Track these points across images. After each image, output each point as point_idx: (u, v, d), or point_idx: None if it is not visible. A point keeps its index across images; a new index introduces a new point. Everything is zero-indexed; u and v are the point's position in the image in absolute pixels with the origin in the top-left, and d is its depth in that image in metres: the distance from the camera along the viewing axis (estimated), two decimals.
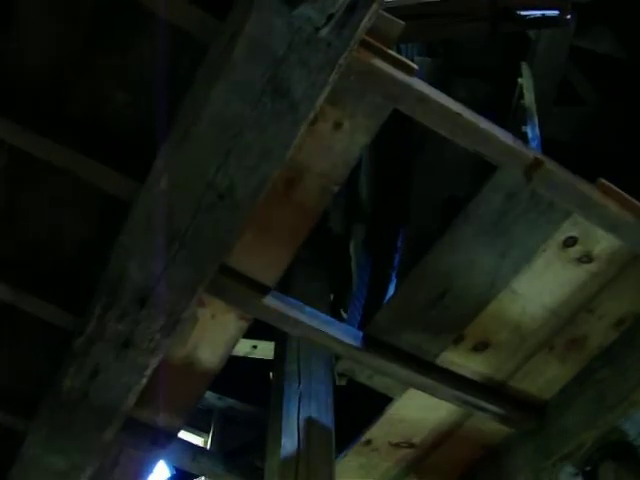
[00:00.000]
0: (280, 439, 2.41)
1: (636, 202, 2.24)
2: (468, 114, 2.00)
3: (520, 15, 3.00)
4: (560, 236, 2.31)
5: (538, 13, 3.01)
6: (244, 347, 3.42)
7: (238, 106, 1.76)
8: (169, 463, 4.37)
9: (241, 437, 4.59)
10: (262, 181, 1.88)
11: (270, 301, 2.33)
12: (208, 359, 2.71)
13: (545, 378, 2.67)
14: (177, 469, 4.40)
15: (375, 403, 2.95)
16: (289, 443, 2.39)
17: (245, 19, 1.65)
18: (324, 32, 1.64)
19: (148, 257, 2.06)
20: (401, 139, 3.46)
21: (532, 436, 2.75)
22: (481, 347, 2.58)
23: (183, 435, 4.39)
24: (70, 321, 2.41)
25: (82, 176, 2.13)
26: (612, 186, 2.22)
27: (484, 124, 2.04)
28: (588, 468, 2.55)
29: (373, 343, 2.50)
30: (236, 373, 3.93)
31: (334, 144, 2.08)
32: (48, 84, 2.00)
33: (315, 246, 2.94)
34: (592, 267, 2.39)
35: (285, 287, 2.69)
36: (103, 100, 2.05)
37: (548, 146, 2.55)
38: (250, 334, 3.16)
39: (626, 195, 2.23)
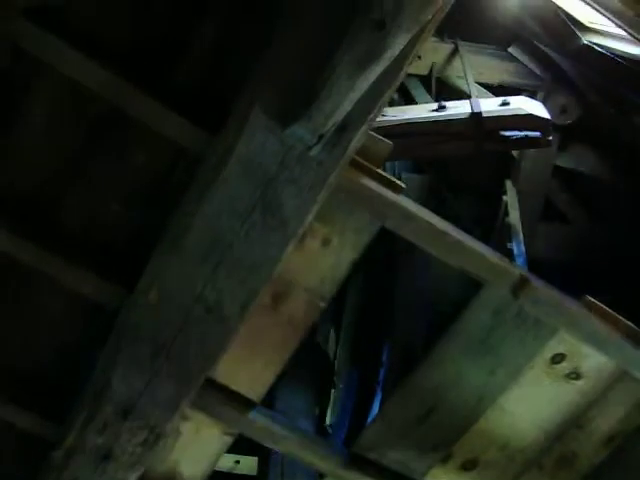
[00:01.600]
0: None
1: (622, 319, 2.26)
2: (454, 232, 2.03)
3: (504, 136, 3.10)
4: (547, 353, 2.31)
5: (521, 134, 3.11)
6: (226, 462, 3.33)
7: (228, 220, 1.79)
8: None
9: None
10: (250, 295, 1.89)
11: (255, 416, 2.30)
12: (190, 475, 2.64)
13: None
14: None
15: None
16: None
17: (237, 136, 1.71)
18: (315, 151, 1.69)
19: (132, 369, 2.05)
20: (387, 251, 3.50)
21: None
22: (470, 465, 2.53)
23: None
24: (49, 430, 2.36)
25: (70, 284, 2.14)
26: (598, 303, 2.24)
27: (470, 242, 2.07)
28: None
29: (358, 461, 2.45)
30: None
31: (322, 260, 2.10)
32: (43, 191, 2.03)
33: (301, 361, 2.92)
34: (580, 384, 2.38)
35: (270, 400, 2.65)
36: (97, 210, 2.08)
37: (533, 263, 2.59)
38: (233, 449, 3.09)
39: (612, 312, 2.25)
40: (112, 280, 2.12)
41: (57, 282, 2.14)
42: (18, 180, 2.02)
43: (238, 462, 3.22)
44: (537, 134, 3.13)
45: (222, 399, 2.27)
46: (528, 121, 3.17)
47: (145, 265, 2.01)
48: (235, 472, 3.29)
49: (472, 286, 2.32)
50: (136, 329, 2.01)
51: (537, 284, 2.17)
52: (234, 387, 2.30)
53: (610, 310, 2.25)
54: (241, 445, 3.03)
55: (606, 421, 2.46)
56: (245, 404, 2.29)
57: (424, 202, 2.14)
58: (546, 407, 2.43)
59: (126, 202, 2.08)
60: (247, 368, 2.30)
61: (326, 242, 2.07)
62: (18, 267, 2.10)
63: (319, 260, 2.10)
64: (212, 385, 2.26)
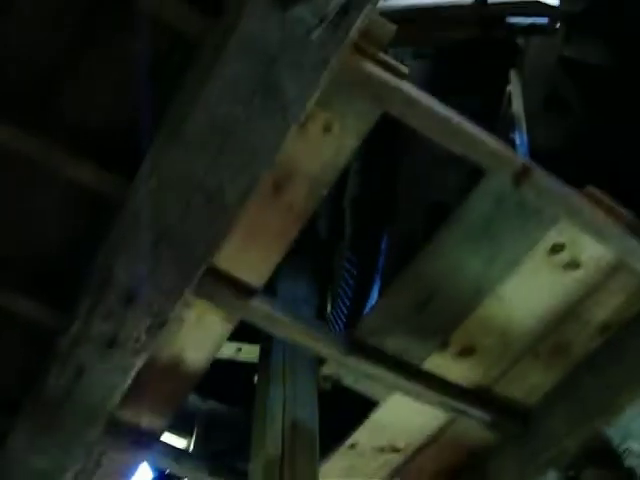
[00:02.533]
0: (264, 442, 2.40)
1: (623, 210, 2.26)
2: (457, 119, 2.00)
3: (509, 22, 3.02)
4: (547, 242, 2.32)
5: (527, 21, 3.03)
6: (229, 350, 3.40)
7: (228, 106, 1.76)
8: (152, 465, 4.34)
9: (224, 440, 4.56)
10: (251, 182, 1.88)
11: (257, 303, 2.33)
12: (193, 361, 2.70)
13: (530, 384, 2.68)
14: (160, 471, 4.38)
15: (360, 407, 2.94)
16: (273, 446, 2.37)
17: (238, 18, 1.65)
18: (317, 33, 1.64)
19: (135, 257, 2.05)
20: (389, 141, 3.47)
21: (516, 441, 2.75)
22: (467, 352, 2.59)
23: (166, 438, 4.37)
24: (55, 319, 2.40)
25: (70, 174, 2.12)
26: (600, 193, 2.24)
27: (473, 129, 2.04)
28: (572, 473, 2.55)
29: (358, 347, 2.50)
30: (220, 376, 3.93)
31: (324, 147, 2.08)
32: (35, 84, 1.99)
33: (302, 249, 2.94)
34: (579, 274, 2.40)
35: (271, 289, 2.68)
36: (92, 98, 2.04)
37: (536, 153, 2.56)
38: (235, 337, 3.15)
39: (613, 203, 2.24)
40: (112, 169, 2.10)
41: (57, 172, 2.12)
42: (12, 71, 1.97)
43: (240, 350, 3.30)
44: (544, 20, 3.05)
45: (224, 286, 2.29)
46: (535, 7, 3.09)
47: (145, 154, 1.99)
48: (237, 359, 3.38)
49: (474, 176, 2.31)
50: (137, 217, 2.01)
51: (539, 173, 2.16)
52: (235, 274, 2.32)
53: (611, 200, 2.25)
54: (243, 333, 3.09)
55: (602, 311, 2.49)
56: (246, 291, 2.31)
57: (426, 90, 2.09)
58: (544, 296, 2.46)
59: (125, 91, 2.04)
60: (248, 256, 2.31)
61: (327, 128, 2.04)
62: (17, 158, 2.07)
63: (320, 146, 2.07)
64: (214, 272, 2.28)
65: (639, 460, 2.58)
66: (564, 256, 2.36)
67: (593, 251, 2.34)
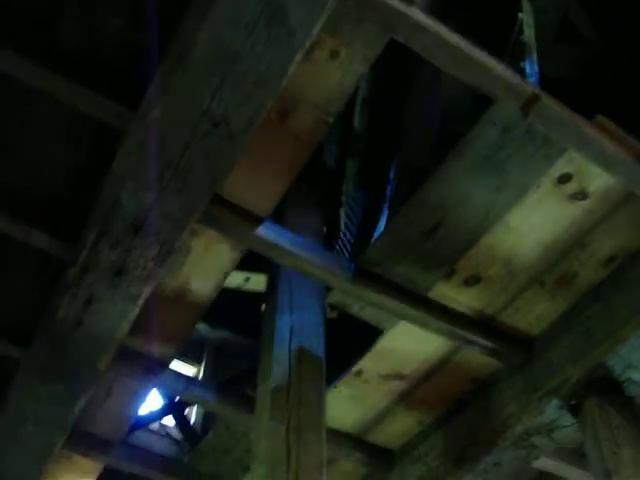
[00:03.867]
0: (271, 368, 2.43)
1: (633, 140, 2.23)
2: (466, 46, 1.96)
3: None
4: (555, 172, 2.31)
5: None
6: (236, 279, 3.42)
7: (234, 33, 1.73)
8: (162, 392, 4.42)
9: (233, 368, 4.63)
10: (257, 110, 1.86)
11: (263, 232, 2.33)
12: (201, 290, 2.73)
13: (535, 314, 2.70)
14: (169, 399, 4.46)
15: (366, 337, 2.98)
16: (280, 372, 2.41)
17: None
18: None
19: (141, 186, 2.06)
20: (397, 71, 3.41)
21: (520, 370, 2.79)
22: (473, 281, 2.60)
23: (176, 365, 4.45)
24: (63, 250, 2.42)
25: (75, 104, 2.11)
26: (609, 123, 2.20)
27: (482, 57, 2.00)
28: (574, 402, 2.59)
29: (364, 275, 2.51)
30: (228, 305, 3.96)
31: (330, 73, 2.06)
32: (40, 11, 1.96)
33: (309, 179, 2.93)
34: (586, 204, 2.39)
35: (278, 219, 2.68)
36: (97, 26, 2.01)
37: (547, 84, 2.52)
38: (242, 266, 3.17)
39: (623, 133, 2.21)
40: (116, 98, 2.09)
41: (62, 102, 2.11)
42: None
43: (248, 279, 3.31)
44: None
45: (231, 215, 2.30)
46: None
47: (149, 83, 1.97)
48: (244, 289, 3.40)
49: (484, 106, 2.28)
50: (142, 146, 2.00)
51: (548, 102, 2.12)
52: (242, 204, 2.32)
53: (622, 131, 2.22)
54: (250, 263, 3.11)
55: (608, 242, 2.49)
56: (253, 220, 2.32)
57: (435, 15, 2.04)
58: (550, 226, 2.46)
59: (129, 17, 2.00)
60: (255, 185, 2.31)
61: (334, 55, 2.01)
62: (19, 86, 2.05)
63: (326, 73, 2.05)
64: (220, 202, 2.28)
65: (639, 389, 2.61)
66: (572, 186, 2.35)
67: (601, 182, 2.33)
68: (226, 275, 2.71)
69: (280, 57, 1.76)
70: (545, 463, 3.43)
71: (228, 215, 2.29)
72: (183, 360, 5.05)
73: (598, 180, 2.33)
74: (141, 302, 2.39)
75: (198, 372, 5.09)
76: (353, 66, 2.04)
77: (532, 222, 2.43)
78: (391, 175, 3.14)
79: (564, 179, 2.33)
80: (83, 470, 3.71)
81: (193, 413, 5.07)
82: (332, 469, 3.43)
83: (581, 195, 2.37)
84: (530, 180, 2.33)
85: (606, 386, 2.54)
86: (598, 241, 2.49)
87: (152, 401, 4.88)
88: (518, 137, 2.26)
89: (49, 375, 2.66)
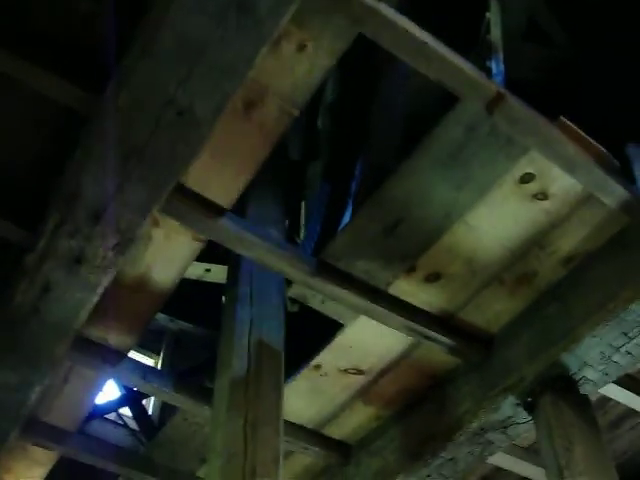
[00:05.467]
0: (230, 360, 2.43)
1: (594, 143, 2.26)
2: (433, 42, 1.97)
3: None
4: (517, 172, 2.33)
5: None
6: (197, 270, 3.42)
7: (201, 21, 1.72)
8: (119, 383, 4.40)
9: (192, 359, 4.63)
10: (223, 99, 1.85)
11: (225, 223, 2.32)
12: (161, 279, 2.71)
13: (494, 311, 2.73)
14: (127, 389, 4.43)
15: (326, 331, 2.98)
16: (239, 364, 2.40)
17: None
18: None
19: (103, 173, 2.03)
20: (364, 66, 3.42)
21: (478, 367, 2.81)
22: (433, 278, 2.62)
23: (134, 356, 4.42)
24: (21, 236, 2.38)
25: (39, 88, 2.08)
26: (572, 125, 2.23)
27: (449, 54, 2.01)
28: (529, 400, 2.62)
29: (326, 269, 2.51)
30: (189, 296, 3.95)
31: (297, 66, 2.05)
32: None
33: (272, 171, 2.92)
34: (546, 204, 2.42)
35: (240, 211, 2.67)
36: (65, 10, 1.98)
37: (512, 84, 2.54)
38: (203, 258, 3.16)
39: (585, 135, 2.24)
40: (82, 84, 2.06)
41: (26, 86, 2.08)
42: None
43: (209, 270, 3.31)
44: None
45: (193, 205, 2.28)
46: None
47: (114, 69, 1.95)
48: (205, 280, 3.39)
49: (450, 104, 2.29)
50: (105, 133, 1.98)
51: (513, 101, 2.14)
52: (205, 194, 2.31)
53: (583, 133, 2.25)
54: (211, 254, 3.10)
55: (567, 242, 2.52)
56: (215, 211, 2.31)
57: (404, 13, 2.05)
58: (511, 225, 2.48)
59: (97, 1, 1.98)
60: (218, 175, 2.30)
61: (301, 47, 2.00)
62: None
63: (293, 65, 2.04)
64: (183, 191, 2.27)
65: (594, 388, 2.65)
66: (533, 186, 2.37)
67: (562, 183, 2.35)
68: (187, 265, 2.70)
69: (247, 47, 1.75)
70: (500, 459, 3.49)
71: (190, 205, 2.28)
72: (141, 351, 5.02)
73: (559, 181, 2.35)
74: (100, 291, 2.37)
75: (156, 363, 5.07)
76: (320, 59, 2.03)
77: (493, 221, 2.45)
78: (356, 172, 3.15)
79: (526, 179, 2.35)
80: (37, 460, 3.66)
81: (150, 404, 5.05)
82: (289, 462, 3.44)
83: (542, 195, 2.39)
84: (492, 179, 2.35)
85: (561, 384, 2.57)
86: (557, 241, 2.52)
87: (109, 391, 4.85)
88: (482, 136, 2.27)
89: (4, 361, 2.62)
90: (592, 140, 2.26)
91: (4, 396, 2.75)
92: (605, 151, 2.28)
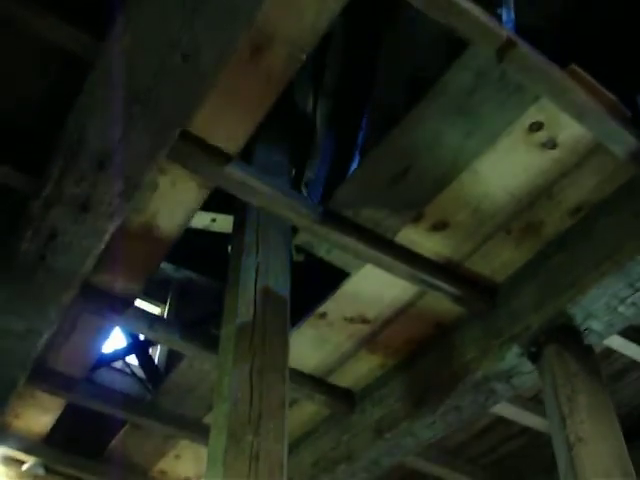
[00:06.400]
0: (236, 308, 2.43)
1: (606, 91, 2.22)
2: None
3: None
4: (526, 120, 2.30)
5: None
6: (203, 220, 3.40)
7: None
8: (126, 331, 4.43)
9: (198, 308, 4.65)
10: (229, 43, 1.82)
11: (232, 170, 2.31)
12: (167, 227, 2.71)
13: (500, 261, 2.73)
14: (134, 338, 4.46)
15: (332, 281, 2.99)
16: (245, 312, 2.40)
17: None
18: None
19: (107, 119, 2.02)
20: (372, 13, 3.36)
21: (483, 317, 2.82)
22: (440, 227, 2.61)
23: (141, 305, 4.44)
24: (26, 183, 2.37)
25: (42, 33, 2.05)
26: (583, 72, 2.19)
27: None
28: (534, 349, 2.63)
29: (332, 217, 2.50)
30: (194, 246, 3.95)
31: (304, 9, 2.01)
32: None
33: (279, 120, 2.89)
34: (555, 153, 2.39)
35: (246, 160, 2.65)
36: None
37: (523, 32, 2.50)
38: (209, 207, 3.15)
39: (596, 83, 2.21)
40: (86, 29, 2.03)
41: (29, 31, 2.05)
42: None
43: (214, 220, 3.29)
44: None
45: (199, 152, 2.27)
46: None
47: (118, 13, 1.91)
48: (211, 230, 3.38)
49: (458, 50, 2.26)
50: (109, 78, 1.95)
51: (523, 48, 2.10)
52: (211, 141, 2.29)
53: (594, 81, 2.21)
54: (217, 204, 3.09)
55: (575, 192, 2.50)
56: (222, 157, 2.29)
57: None
58: (519, 174, 2.46)
59: None
60: (224, 122, 2.27)
61: None
62: None
63: (301, 9, 2.00)
64: (189, 138, 2.25)
65: (599, 339, 2.66)
66: (542, 135, 2.34)
67: (572, 131, 2.33)
68: (192, 213, 2.69)
69: None
70: (503, 408, 3.52)
71: (196, 152, 2.26)
72: (148, 300, 5.05)
73: (568, 130, 2.33)
74: (106, 238, 2.37)
75: (163, 312, 5.10)
76: (328, 2, 2.00)
77: (501, 170, 2.44)
78: (363, 121, 3.12)
79: (535, 127, 2.32)
80: (46, 407, 3.72)
81: (157, 353, 5.09)
82: (295, 410, 3.47)
83: (551, 144, 2.37)
84: (501, 127, 2.32)
85: (566, 334, 2.59)
86: (565, 191, 2.50)
87: (116, 340, 4.89)
88: (491, 83, 2.24)
89: (12, 309, 2.64)
90: (603, 88, 2.22)
91: (12, 343, 2.78)
92: (616, 100, 2.25)
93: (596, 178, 2.46)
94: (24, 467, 3.94)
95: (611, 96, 2.24)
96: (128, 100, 1.96)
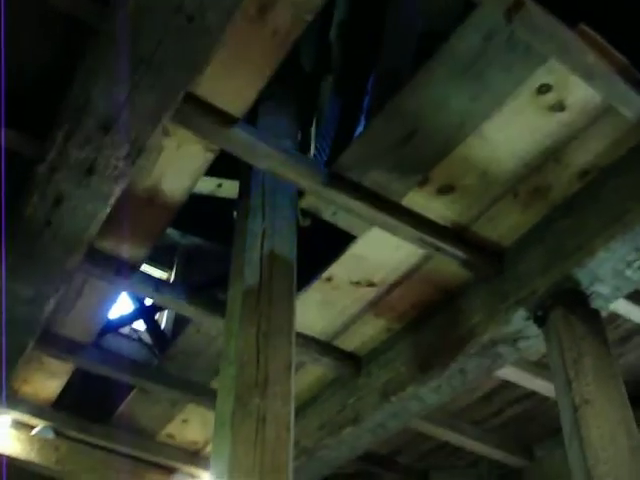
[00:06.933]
0: (242, 271, 2.43)
1: (616, 52, 2.19)
2: None
3: None
4: (534, 82, 2.28)
5: None
6: (209, 185, 3.40)
7: None
8: (132, 297, 4.45)
9: (204, 274, 4.66)
10: (234, 3, 1.80)
11: (237, 132, 2.29)
12: (172, 190, 2.71)
13: (507, 225, 2.72)
14: (140, 303, 4.49)
15: (338, 245, 2.98)
16: (251, 275, 2.41)
17: None
18: None
19: (112, 82, 2.01)
20: None
21: (489, 281, 2.82)
22: (446, 190, 2.60)
23: (147, 270, 4.46)
24: (31, 148, 2.37)
25: None
26: (592, 32, 2.16)
27: None
28: (540, 313, 2.63)
29: (338, 180, 2.49)
30: (201, 212, 3.95)
31: None
32: None
33: (284, 83, 2.87)
34: (564, 116, 2.37)
35: (252, 124, 2.63)
36: None
37: None
38: (215, 173, 3.14)
39: (606, 43, 2.18)
40: None
41: None
42: None
43: (220, 185, 3.28)
44: None
45: (204, 115, 2.26)
46: None
47: None
48: (217, 195, 3.38)
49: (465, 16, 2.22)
50: (115, 41, 1.94)
51: (532, 8, 2.07)
52: (216, 103, 2.27)
53: (604, 41, 2.18)
54: (223, 169, 3.08)
55: (584, 155, 2.48)
56: (227, 120, 2.28)
57: None
58: (527, 137, 2.44)
59: None
60: (229, 83, 2.26)
61: None
62: None
63: None
64: (194, 101, 2.24)
65: (605, 303, 2.66)
66: (551, 97, 2.32)
67: (580, 93, 2.30)
68: (198, 176, 2.69)
69: None
70: (508, 372, 3.53)
71: (201, 114, 2.25)
72: (154, 265, 5.06)
73: (577, 92, 2.30)
74: (112, 202, 2.37)
75: (169, 278, 5.12)
76: None
77: (508, 133, 2.41)
78: (369, 85, 3.09)
79: (543, 90, 2.30)
80: (54, 372, 3.75)
81: (164, 318, 5.12)
82: (301, 373, 3.50)
83: (559, 107, 2.34)
84: (509, 89, 2.30)
85: (573, 298, 2.58)
86: (573, 154, 2.48)
87: (123, 306, 4.92)
88: (499, 45, 2.21)
89: (18, 275, 2.65)
90: (613, 49, 2.19)
91: (20, 309, 2.79)
92: (626, 61, 2.22)
93: (605, 141, 2.44)
94: (34, 431, 3.99)
95: (622, 57, 2.21)
96: (133, 63, 1.95)
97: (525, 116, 2.37)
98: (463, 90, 2.32)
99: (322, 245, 3.12)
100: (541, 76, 2.26)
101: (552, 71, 2.24)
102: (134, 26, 1.88)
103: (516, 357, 2.96)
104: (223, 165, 2.84)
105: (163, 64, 1.94)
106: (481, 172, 2.54)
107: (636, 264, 2.47)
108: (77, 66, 2.10)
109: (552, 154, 2.49)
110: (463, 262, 2.77)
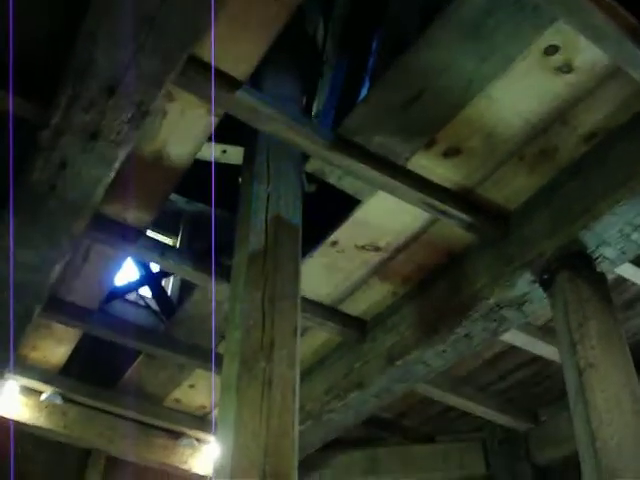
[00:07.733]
0: (248, 236, 2.42)
1: (625, 12, 2.15)
2: None
3: None
4: (542, 43, 2.25)
5: None
6: (214, 152, 3.38)
7: None
8: (138, 263, 4.45)
9: (209, 241, 4.65)
10: None
11: (242, 95, 2.28)
12: (177, 155, 2.70)
13: (512, 188, 2.71)
14: (146, 270, 4.49)
15: (343, 210, 2.98)
16: (256, 240, 2.40)
17: None
18: None
19: (116, 44, 1.99)
20: None
21: (494, 244, 2.82)
22: (452, 153, 2.58)
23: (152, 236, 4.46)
24: (35, 113, 2.35)
25: None
26: None
27: None
28: (546, 276, 2.63)
29: (343, 143, 2.48)
30: (205, 178, 3.93)
31: None
32: None
33: (289, 47, 2.83)
34: (571, 78, 2.35)
35: (257, 88, 2.61)
36: None
37: None
38: (219, 139, 3.12)
39: (616, 4, 2.14)
40: None
41: None
42: None
43: (225, 152, 3.26)
44: None
45: (208, 78, 2.23)
46: None
47: None
48: (222, 162, 3.36)
49: None
50: (117, 3, 1.91)
51: None
52: (220, 66, 2.26)
53: (614, 2, 2.14)
54: (228, 135, 3.06)
55: (591, 117, 2.46)
56: (231, 83, 2.26)
57: None
58: (534, 99, 2.42)
59: None
60: (233, 46, 2.24)
61: None
62: None
63: None
64: (198, 64, 2.22)
65: (611, 266, 2.65)
66: (558, 59, 2.29)
67: (588, 55, 2.28)
68: (202, 141, 2.67)
69: None
70: (513, 336, 3.54)
71: (205, 78, 2.23)
72: (160, 232, 5.06)
73: (585, 53, 2.27)
74: (116, 166, 2.36)
75: (175, 244, 5.12)
76: None
77: (515, 94, 2.39)
78: (373, 46, 3.05)
79: (551, 51, 2.27)
80: (61, 338, 3.77)
81: (169, 285, 5.13)
82: (307, 337, 3.51)
83: (566, 68, 2.32)
84: (516, 50, 2.27)
85: (579, 261, 2.58)
86: (580, 116, 2.46)
87: (129, 273, 4.93)
88: (507, 5, 2.18)
89: (24, 241, 2.65)
90: (622, 9, 2.16)
91: (26, 275, 2.80)
92: (636, 21, 2.18)
93: (612, 104, 2.42)
94: (42, 397, 4.02)
95: (631, 19, 2.17)
96: (135, 24, 1.92)
97: (532, 77, 2.35)
98: (470, 51, 2.29)
99: (328, 208, 3.11)
100: (549, 37, 2.23)
101: (560, 31, 2.21)
102: None
103: (522, 321, 2.97)
104: (228, 131, 2.82)
105: (166, 24, 1.92)
106: (487, 134, 2.52)
107: None
108: (80, 30, 2.07)
109: (559, 116, 2.47)
110: (468, 225, 2.76)
